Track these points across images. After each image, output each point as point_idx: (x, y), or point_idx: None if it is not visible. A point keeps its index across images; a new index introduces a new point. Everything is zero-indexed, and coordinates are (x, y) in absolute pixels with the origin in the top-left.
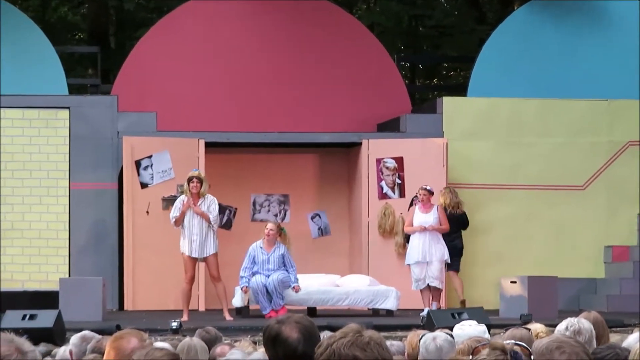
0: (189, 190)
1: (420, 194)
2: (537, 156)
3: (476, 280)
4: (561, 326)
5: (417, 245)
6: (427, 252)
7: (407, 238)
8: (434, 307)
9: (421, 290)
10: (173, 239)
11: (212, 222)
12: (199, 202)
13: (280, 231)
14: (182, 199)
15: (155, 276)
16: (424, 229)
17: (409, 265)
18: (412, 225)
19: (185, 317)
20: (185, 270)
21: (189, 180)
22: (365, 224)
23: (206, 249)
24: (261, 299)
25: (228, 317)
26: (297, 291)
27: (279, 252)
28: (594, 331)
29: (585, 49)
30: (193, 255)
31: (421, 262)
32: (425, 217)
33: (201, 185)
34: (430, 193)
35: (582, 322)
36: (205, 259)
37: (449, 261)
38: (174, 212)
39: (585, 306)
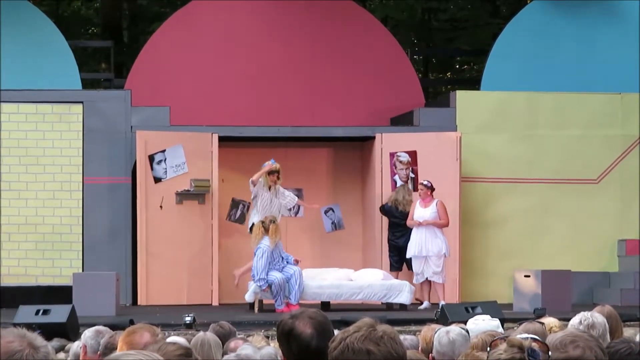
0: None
1: (419, 189)
2: (550, 150)
3: (490, 274)
4: (574, 320)
5: (415, 239)
6: (423, 246)
7: None
8: (441, 303)
9: (421, 283)
10: (186, 233)
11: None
12: (273, 192)
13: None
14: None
15: (169, 271)
16: (419, 224)
17: (410, 259)
18: (413, 219)
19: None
20: None
21: (270, 172)
22: (379, 218)
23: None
24: (281, 294)
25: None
26: (298, 261)
27: (279, 246)
28: (607, 325)
29: (599, 42)
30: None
31: (418, 256)
32: (423, 212)
33: (278, 178)
34: (429, 188)
35: (595, 316)
36: None
37: (447, 255)
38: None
39: (599, 300)
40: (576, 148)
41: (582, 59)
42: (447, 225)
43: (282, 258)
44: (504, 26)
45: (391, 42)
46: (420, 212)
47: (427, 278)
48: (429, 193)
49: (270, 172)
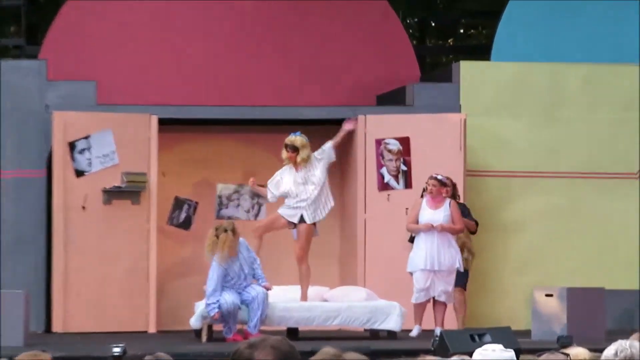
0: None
1: (429, 185)
2: (579, 136)
3: (502, 293)
4: (609, 351)
5: (423, 249)
6: (435, 258)
7: (411, 238)
8: (437, 330)
9: (415, 304)
10: (116, 241)
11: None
12: (301, 171)
13: (232, 233)
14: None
15: (93, 290)
16: (431, 228)
17: (411, 273)
18: (417, 223)
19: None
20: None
21: (285, 146)
22: (362, 223)
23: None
24: (231, 321)
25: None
26: (268, 289)
27: (245, 254)
28: None
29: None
30: (290, 220)
31: (427, 270)
32: (434, 215)
33: (298, 155)
34: (442, 184)
35: (635, 347)
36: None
37: (461, 269)
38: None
39: None
40: (611, 134)
41: (620, 21)
42: (462, 231)
43: (246, 276)
44: None
45: (378, 1)
46: (430, 214)
47: (432, 298)
48: (441, 190)
49: (285, 146)
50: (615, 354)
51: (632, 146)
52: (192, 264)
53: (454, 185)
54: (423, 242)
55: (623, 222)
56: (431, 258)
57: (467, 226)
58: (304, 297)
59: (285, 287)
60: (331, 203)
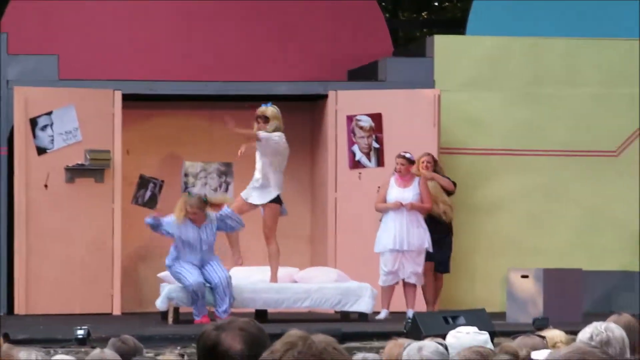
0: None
1: (397, 163)
2: (558, 114)
3: (477, 274)
4: (584, 334)
5: (392, 229)
6: (404, 238)
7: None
8: (409, 312)
9: (383, 287)
10: (79, 221)
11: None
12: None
13: (203, 204)
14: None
15: (56, 271)
16: (400, 207)
17: (379, 253)
18: (385, 202)
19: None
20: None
21: (256, 119)
22: (332, 202)
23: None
24: (199, 302)
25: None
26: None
27: (212, 228)
28: (626, 340)
29: None
30: (249, 201)
31: (395, 251)
32: (403, 193)
33: (267, 124)
34: (410, 162)
35: (611, 329)
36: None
37: (430, 249)
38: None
39: (619, 307)
40: (591, 111)
41: None
42: (430, 210)
43: (208, 246)
44: None
45: None
46: (398, 192)
47: (403, 280)
48: (409, 169)
49: (256, 118)
50: (591, 337)
51: (612, 123)
52: (158, 245)
53: (435, 161)
54: (391, 221)
55: (602, 203)
56: (400, 238)
57: (445, 186)
58: (274, 278)
59: (253, 268)
60: (276, 191)
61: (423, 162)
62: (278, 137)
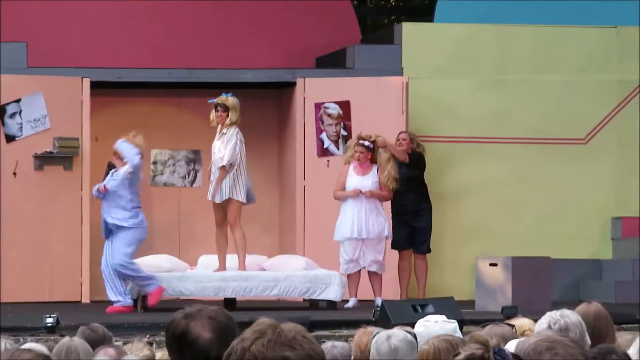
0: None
1: (356, 152)
2: (527, 101)
3: (445, 263)
4: (541, 325)
5: (350, 217)
6: (362, 226)
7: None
8: (378, 301)
9: (349, 275)
10: (48, 208)
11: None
12: (218, 136)
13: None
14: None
15: (25, 258)
16: (359, 194)
17: (339, 241)
18: (344, 190)
19: (220, 267)
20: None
21: (215, 107)
22: (301, 190)
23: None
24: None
25: (241, 268)
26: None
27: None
28: (584, 325)
29: None
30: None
31: (354, 239)
32: (362, 181)
33: (227, 115)
34: (369, 149)
35: (567, 316)
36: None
37: (389, 237)
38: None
39: (588, 296)
40: (560, 98)
41: None
42: (389, 198)
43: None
44: None
45: None
46: (357, 181)
47: (364, 268)
48: (368, 156)
49: (215, 106)
50: (549, 326)
51: (581, 111)
52: None
53: (411, 139)
54: (350, 209)
55: (571, 190)
56: (358, 226)
57: (397, 156)
58: (242, 265)
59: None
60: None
61: (398, 140)
62: (232, 134)
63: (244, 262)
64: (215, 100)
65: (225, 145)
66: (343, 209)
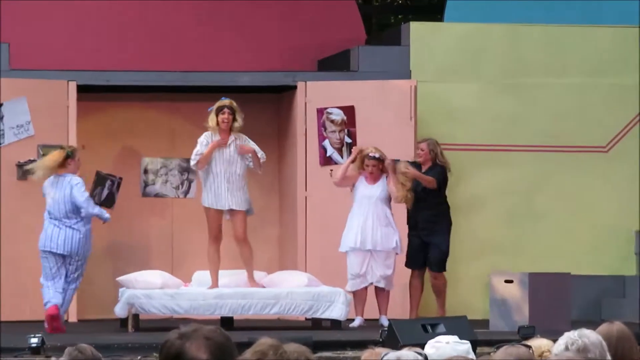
0: (218, 125)
1: (368, 166)
2: (542, 106)
3: (457, 279)
4: (558, 347)
5: (356, 226)
6: (368, 235)
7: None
8: (383, 320)
9: (355, 292)
10: (33, 220)
11: (260, 157)
12: (229, 141)
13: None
14: (207, 135)
15: (8, 274)
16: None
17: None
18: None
19: (213, 285)
20: (209, 228)
21: (219, 110)
22: (302, 201)
23: (236, 202)
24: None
25: (253, 284)
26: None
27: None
28: (604, 345)
29: None
30: (218, 208)
31: (361, 252)
32: (372, 189)
33: (234, 118)
34: (380, 161)
35: (586, 336)
36: (232, 215)
37: (398, 251)
38: (199, 148)
39: (610, 315)
40: (577, 103)
41: None
42: (404, 198)
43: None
44: None
45: None
46: (366, 189)
47: (371, 284)
48: (380, 166)
49: (219, 109)
50: (566, 347)
51: (599, 116)
52: (116, 247)
53: (430, 150)
54: (357, 218)
55: (591, 202)
56: (363, 236)
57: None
58: (252, 280)
59: (219, 272)
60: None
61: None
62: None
63: (253, 276)
64: (214, 108)
65: (249, 143)
66: (349, 219)
